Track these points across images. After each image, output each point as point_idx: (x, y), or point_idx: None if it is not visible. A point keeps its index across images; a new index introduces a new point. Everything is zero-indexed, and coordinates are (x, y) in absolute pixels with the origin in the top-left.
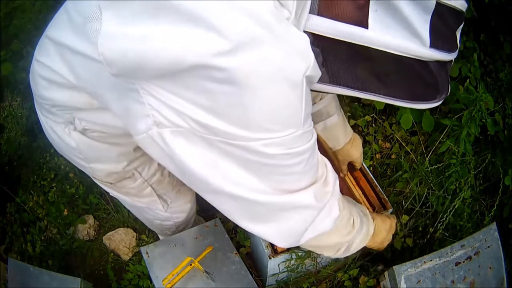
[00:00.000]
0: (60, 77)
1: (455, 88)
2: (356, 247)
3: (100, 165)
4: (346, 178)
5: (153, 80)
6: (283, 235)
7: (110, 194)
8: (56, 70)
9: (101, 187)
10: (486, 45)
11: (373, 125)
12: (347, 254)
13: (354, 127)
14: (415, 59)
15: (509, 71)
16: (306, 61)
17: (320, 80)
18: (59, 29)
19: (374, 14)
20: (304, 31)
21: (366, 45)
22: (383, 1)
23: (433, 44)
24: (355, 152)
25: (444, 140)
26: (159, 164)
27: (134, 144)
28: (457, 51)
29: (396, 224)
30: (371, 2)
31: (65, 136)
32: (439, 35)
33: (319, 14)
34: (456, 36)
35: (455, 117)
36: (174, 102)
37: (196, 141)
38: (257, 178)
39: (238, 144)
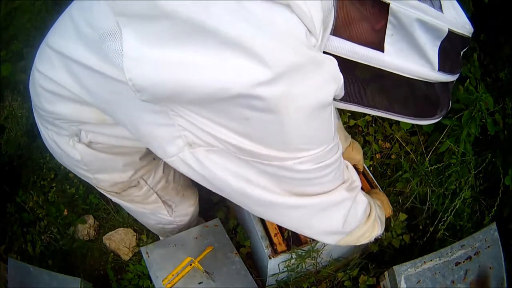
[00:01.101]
0: (68, 91)
1: (455, 88)
2: (382, 223)
3: (105, 175)
4: None
5: (186, 105)
6: (328, 232)
7: (113, 200)
8: (62, 83)
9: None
10: (486, 45)
11: (373, 125)
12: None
13: (354, 127)
14: (422, 81)
15: (509, 71)
16: (338, 83)
17: (334, 98)
18: (64, 40)
19: (390, 39)
20: (324, 52)
21: (380, 67)
22: (399, 27)
23: (441, 68)
24: (356, 155)
25: (444, 140)
26: (164, 171)
27: (140, 153)
28: (459, 72)
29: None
30: (388, 26)
31: (68, 149)
32: (446, 59)
33: (336, 34)
34: (460, 59)
35: (455, 117)
36: (208, 126)
37: (230, 159)
38: (292, 188)
39: (275, 165)
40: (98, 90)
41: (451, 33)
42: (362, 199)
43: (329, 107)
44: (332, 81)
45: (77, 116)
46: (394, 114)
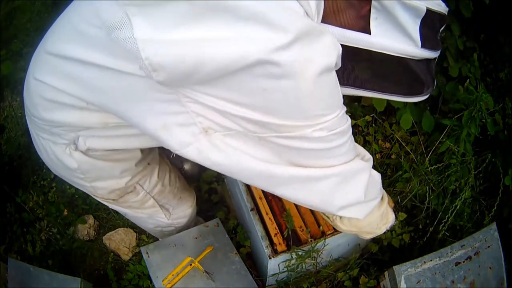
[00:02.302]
0: (69, 97)
1: (455, 88)
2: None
3: (102, 183)
4: None
5: (200, 87)
6: (353, 204)
7: (110, 208)
8: (63, 89)
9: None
10: (486, 45)
11: (373, 125)
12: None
13: (354, 127)
14: (408, 58)
15: (509, 71)
16: (338, 49)
17: None
18: (64, 42)
19: (375, 22)
20: None
21: (370, 48)
22: (382, 10)
23: (423, 45)
24: None
25: (444, 140)
26: (159, 176)
27: (136, 158)
28: (440, 49)
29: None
30: (372, 11)
31: (65, 157)
32: (427, 36)
33: (326, 21)
34: (439, 36)
35: (455, 117)
36: (224, 106)
37: (249, 141)
38: (314, 160)
39: (294, 136)
40: (104, 87)
41: (429, 11)
42: (376, 172)
43: (334, 72)
44: (333, 47)
45: (78, 122)
46: (384, 93)
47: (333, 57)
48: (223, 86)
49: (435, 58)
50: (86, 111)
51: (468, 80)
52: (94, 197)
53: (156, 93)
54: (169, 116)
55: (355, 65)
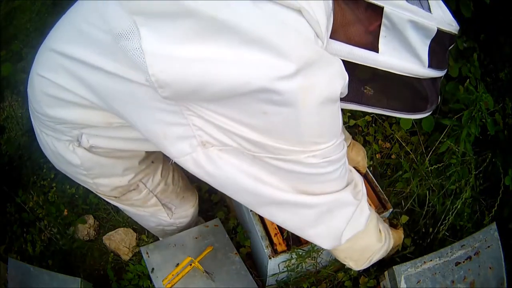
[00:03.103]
0: (72, 95)
1: (455, 88)
2: (378, 257)
3: (105, 180)
4: None
5: (203, 103)
6: (329, 235)
7: (112, 204)
8: (67, 87)
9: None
10: (486, 45)
11: (373, 125)
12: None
13: (354, 127)
14: (414, 77)
15: (509, 71)
16: (344, 79)
17: None
18: (69, 43)
19: (384, 40)
20: None
21: (376, 67)
22: (392, 28)
23: (431, 65)
24: (356, 156)
25: (444, 140)
26: (162, 174)
27: (140, 157)
28: (447, 68)
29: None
30: (382, 28)
31: (68, 153)
32: (435, 56)
33: (334, 38)
34: (447, 55)
35: (455, 117)
36: (223, 123)
37: (243, 158)
38: (302, 185)
39: (288, 159)
40: (108, 91)
41: (439, 32)
42: (366, 208)
43: (338, 102)
44: (340, 77)
45: (81, 120)
46: (388, 110)
47: (338, 87)
48: (224, 105)
49: (441, 77)
50: (90, 110)
51: (468, 80)
52: (97, 194)
53: (158, 103)
54: (170, 126)
55: (361, 83)
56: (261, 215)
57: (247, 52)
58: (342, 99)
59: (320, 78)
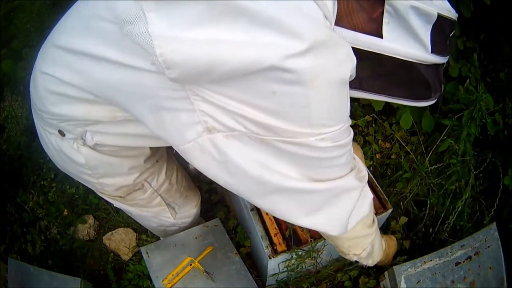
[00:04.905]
0: (76, 90)
1: (455, 88)
2: (376, 252)
3: (110, 179)
4: None
5: (211, 86)
6: (335, 221)
7: (115, 205)
8: (70, 81)
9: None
10: (486, 45)
11: (373, 125)
12: (369, 260)
13: (354, 127)
14: (417, 63)
15: (509, 71)
16: (353, 62)
17: None
18: (74, 37)
19: (387, 26)
20: None
21: (381, 52)
22: (395, 14)
23: (434, 50)
24: (355, 152)
25: (445, 138)
26: (166, 174)
27: (145, 155)
28: (449, 55)
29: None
30: (384, 15)
31: (72, 152)
32: (437, 42)
33: (339, 24)
34: (448, 42)
35: (455, 117)
36: (231, 106)
37: (250, 143)
38: (309, 171)
39: (297, 142)
40: (112, 81)
41: (440, 17)
42: (369, 193)
43: (347, 85)
44: (349, 60)
45: (85, 115)
46: (393, 97)
47: (347, 69)
48: (233, 86)
49: (443, 64)
50: (93, 104)
51: (468, 80)
52: (101, 195)
53: (165, 90)
54: (175, 112)
55: (366, 70)
56: (261, 206)
57: (259, 33)
58: (350, 86)
59: (330, 58)
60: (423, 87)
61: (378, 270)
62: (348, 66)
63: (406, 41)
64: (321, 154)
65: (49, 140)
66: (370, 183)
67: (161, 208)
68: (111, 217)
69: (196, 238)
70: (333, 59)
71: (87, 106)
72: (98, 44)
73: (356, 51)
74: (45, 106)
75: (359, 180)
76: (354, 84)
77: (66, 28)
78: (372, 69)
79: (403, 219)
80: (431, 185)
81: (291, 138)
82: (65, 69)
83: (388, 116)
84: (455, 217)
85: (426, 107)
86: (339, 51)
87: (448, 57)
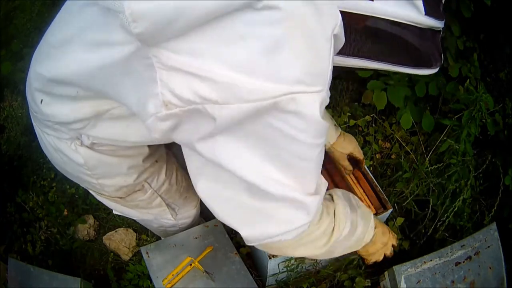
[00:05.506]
0: (59, 87)
1: (455, 88)
2: (341, 251)
3: (109, 180)
4: (348, 178)
5: (174, 42)
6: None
7: (114, 211)
8: (54, 78)
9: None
10: (486, 45)
11: (373, 125)
12: (331, 255)
13: (354, 127)
14: (412, 26)
15: (509, 71)
16: (336, 20)
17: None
18: (59, 29)
19: None
20: None
21: (373, 15)
22: None
23: (427, 12)
24: (349, 144)
25: (445, 139)
26: (166, 174)
27: (143, 155)
28: (444, 20)
29: (393, 246)
30: None
31: (71, 153)
32: (429, 4)
33: None
34: (441, 6)
35: (455, 117)
36: (191, 66)
37: (204, 120)
38: (274, 149)
39: (262, 106)
40: (91, 66)
41: None
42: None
43: (328, 43)
44: (330, 16)
45: (74, 114)
46: (391, 63)
47: (330, 24)
48: (199, 35)
49: (440, 31)
50: (76, 101)
51: (468, 80)
52: (100, 198)
53: (137, 60)
54: (144, 84)
55: (360, 35)
56: (200, 189)
57: None
58: (343, 53)
59: (311, 8)
60: (420, 52)
61: (378, 269)
62: (331, 22)
63: (397, 2)
64: (289, 130)
65: (48, 141)
66: (370, 183)
67: (161, 209)
68: (111, 217)
69: (196, 238)
70: (315, 9)
71: (73, 104)
72: (75, 28)
73: (349, 15)
74: (38, 107)
75: (314, 211)
76: (351, 50)
77: (55, 23)
78: (367, 34)
79: (400, 220)
80: (431, 185)
81: (256, 101)
82: (48, 63)
83: (388, 116)
84: (455, 217)
85: (426, 107)
86: (325, 5)
87: (443, 22)
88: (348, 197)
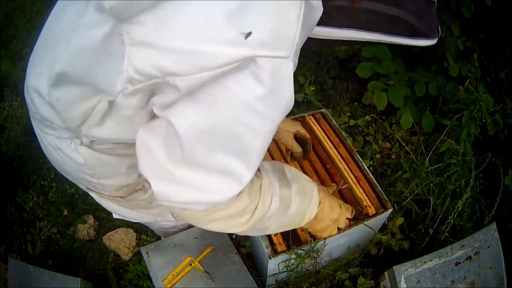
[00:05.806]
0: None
1: (455, 88)
2: (276, 228)
3: (110, 180)
4: (348, 178)
5: (143, 14)
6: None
7: (114, 215)
8: (42, 73)
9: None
10: (486, 45)
11: (373, 125)
12: (264, 232)
13: (354, 127)
14: None
15: (509, 71)
16: None
17: (324, 24)
18: (49, 32)
19: None
20: None
21: None
22: None
23: None
24: (293, 124)
25: (445, 139)
26: None
27: None
28: None
29: (346, 220)
30: None
31: (71, 152)
32: None
33: None
34: None
35: (455, 117)
36: (154, 38)
37: (171, 90)
38: (215, 132)
39: (224, 71)
40: (71, 49)
41: None
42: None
43: (297, 7)
44: None
45: (69, 117)
46: (387, 34)
47: None
48: (163, 8)
49: (434, 2)
50: (70, 102)
51: (468, 80)
52: (100, 200)
53: (113, 40)
54: (116, 65)
55: (353, 5)
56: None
57: None
58: (338, 25)
59: None
60: (416, 22)
61: (378, 269)
62: None
63: None
64: (247, 95)
65: (48, 141)
66: (370, 183)
67: (162, 209)
68: (111, 217)
69: (196, 238)
70: None
71: (67, 106)
72: (69, 21)
73: None
74: (36, 108)
75: (251, 196)
76: (347, 21)
77: (46, 25)
78: (358, 4)
79: (400, 220)
80: (431, 185)
81: (217, 65)
82: (43, 63)
83: (388, 116)
84: (455, 217)
85: (426, 107)
86: None
87: None
88: (282, 171)
